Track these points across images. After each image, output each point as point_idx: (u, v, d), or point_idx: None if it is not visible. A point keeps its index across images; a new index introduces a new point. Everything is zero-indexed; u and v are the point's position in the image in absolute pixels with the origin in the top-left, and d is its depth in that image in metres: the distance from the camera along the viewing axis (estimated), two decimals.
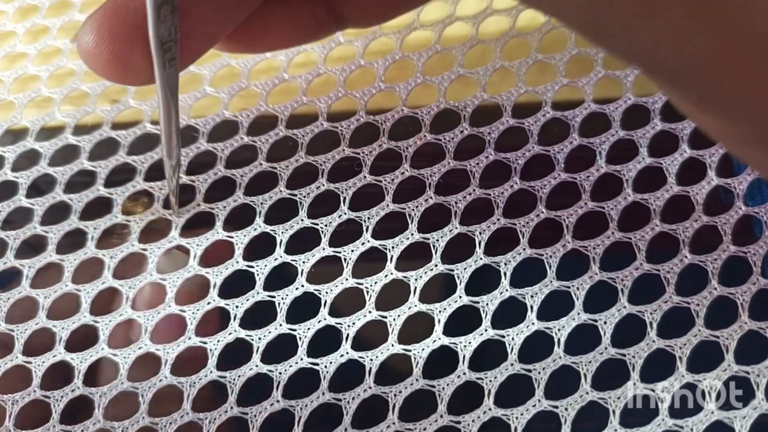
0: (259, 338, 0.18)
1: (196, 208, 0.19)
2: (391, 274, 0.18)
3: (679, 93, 0.11)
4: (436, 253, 0.18)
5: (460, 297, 0.18)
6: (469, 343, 0.17)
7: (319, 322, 0.18)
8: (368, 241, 0.18)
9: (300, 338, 0.17)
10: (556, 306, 0.17)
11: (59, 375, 0.17)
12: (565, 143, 0.19)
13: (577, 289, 0.17)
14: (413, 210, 0.19)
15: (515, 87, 0.20)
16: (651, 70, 0.11)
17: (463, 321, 0.17)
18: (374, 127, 0.20)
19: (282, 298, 0.18)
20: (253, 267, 0.18)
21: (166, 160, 0.18)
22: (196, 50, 0.17)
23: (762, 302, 0.17)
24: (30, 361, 0.18)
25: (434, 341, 0.17)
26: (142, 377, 0.17)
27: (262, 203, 0.19)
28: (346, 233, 0.19)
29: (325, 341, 0.17)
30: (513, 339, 0.17)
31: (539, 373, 0.17)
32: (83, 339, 0.18)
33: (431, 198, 0.19)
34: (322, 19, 0.18)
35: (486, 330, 0.17)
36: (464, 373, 0.17)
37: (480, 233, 0.18)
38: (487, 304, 0.17)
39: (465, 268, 0.18)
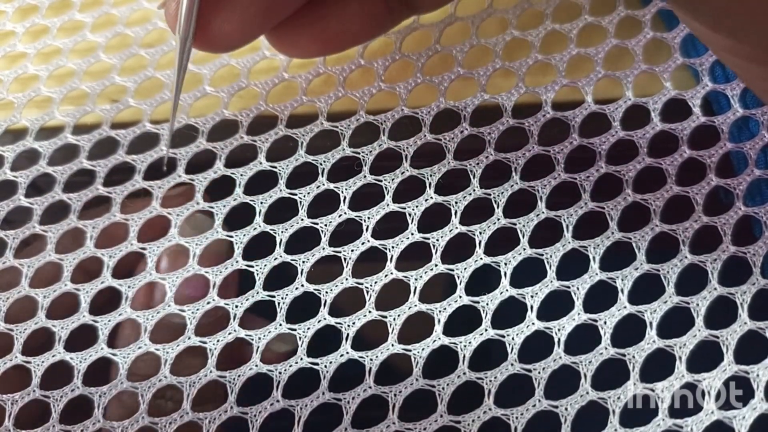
0: (259, 338, 0.18)
1: (195, 206, 0.19)
2: (391, 273, 0.18)
3: (695, 17, 0.13)
4: (436, 252, 0.18)
5: (460, 297, 0.18)
6: (469, 343, 0.17)
7: (319, 321, 0.18)
8: (368, 241, 0.18)
9: (300, 338, 0.17)
10: (556, 306, 0.17)
11: (59, 375, 0.17)
12: (565, 143, 0.19)
13: (577, 289, 0.17)
14: (413, 210, 0.19)
15: (515, 87, 0.20)
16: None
17: (463, 321, 0.17)
18: (374, 126, 0.20)
19: (282, 298, 0.18)
20: (252, 267, 0.18)
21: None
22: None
23: (762, 302, 0.17)
24: (29, 360, 0.18)
25: (434, 341, 0.17)
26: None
27: (261, 202, 0.19)
28: (346, 233, 0.19)
29: (325, 341, 0.17)
30: (513, 339, 0.17)
31: (539, 373, 0.17)
32: (83, 338, 0.18)
33: (431, 198, 0.19)
34: (393, 6, 0.19)
35: (486, 330, 0.17)
36: (464, 373, 0.17)
37: (480, 233, 0.18)
38: (487, 304, 0.17)
39: (465, 268, 0.18)
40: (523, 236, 0.18)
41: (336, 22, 0.18)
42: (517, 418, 0.16)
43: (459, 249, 0.18)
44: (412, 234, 0.18)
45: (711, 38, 0.14)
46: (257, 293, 0.18)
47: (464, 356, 0.17)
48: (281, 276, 0.18)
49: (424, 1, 0.19)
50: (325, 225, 0.19)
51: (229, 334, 0.18)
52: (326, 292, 0.18)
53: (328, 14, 0.18)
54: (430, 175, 0.19)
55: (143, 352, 0.18)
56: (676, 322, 0.17)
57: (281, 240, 0.19)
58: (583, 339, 0.17)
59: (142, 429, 0.17)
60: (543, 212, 0.18)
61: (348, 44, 0.20)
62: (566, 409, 0.16)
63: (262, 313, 0.18)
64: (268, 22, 0.17)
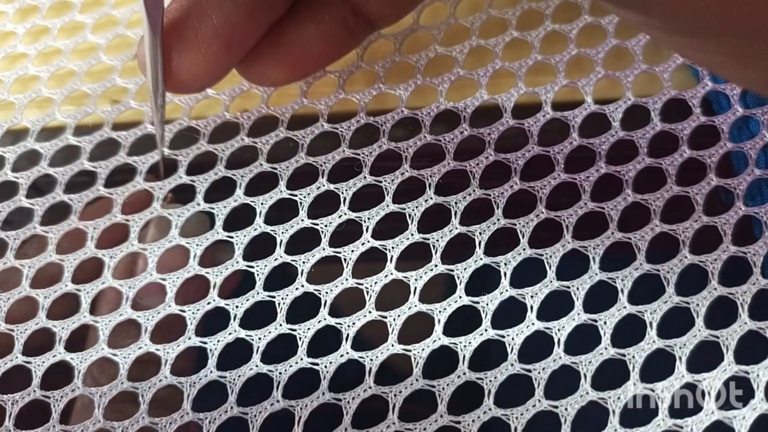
0: (259, 338, 0.18)
1: (196, 207, 0.19)
2: (391, 274, 0.18)
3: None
4: (436, 253, 0.18)
5: (460, 297, 0.18)
6: (469, 343, 0.17)
7: (319, 322, 0.18)
8: (368, 242, 0.18)
9: (300, 338, 0.17)
10: (556, 306, 0.17)
11: (59, 375, 0.17)
12: (565, 144, 0.19)
13: (577, 289, 0.17)
14: (413, 210, 0.19)
15: (515, 88, 0.20)
16: None
17: (463, 321, 0.17)
18: (374, 127, 0.20)
19: (282, 298, 0.18)
20: (253, 267, 0.18)
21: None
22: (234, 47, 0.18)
23: (762, 302, 0.17)
24: (30, 361, 0.18)
25: (434, 341, 0.17)
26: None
27: (262, 203, 0.19)
28: (346, 233, 0.19)
29: (325, 341, 0.17)
30: (513, 339, 0.17)
31: (539, 373, 0.17)
32: (83, 339, 0.18)
33: (431, 198, 0.19)
34: (351, 24, 0.19)
35: (486, 330, 0.17)
36: (464, 373, 0.17)
37: (480, 233, 0.18)
38: (487, 304, 0.17)
39: (465, 268, 0.18)
40: (523, 236, 0.18)
41: (297, 48, 0.19)
42: (517, 418, 0.16)
43: (459, 249, 0.18)
44: (412, 234, 0.18)
45: (633, 19, 0.14)
46: (257, 293, 0.18)
47: (464, 356, 0.17)
48: (281, 276, 0.18)
49: (381, 17, 0.20)
50: (326, 225, 0.19)
51: (230, 334, 0.18)
52: (326, 293, 0.18)
53: (287, 40, 0.19)
54: (430, 176, 0.19)
55: (143, 352, 0.18)
56: (676, 323, 0.17)
57: (281, 240, 0.19)
58: (583, 339, 0.17)
59: (142, 429, 0.17)
60: (543, 212, 0.18)
61: (313, 67, 0.20)
62: (566, 409, 0.16)
63: (261, 315, 0.18)
64: (232, 58, 0.18)
